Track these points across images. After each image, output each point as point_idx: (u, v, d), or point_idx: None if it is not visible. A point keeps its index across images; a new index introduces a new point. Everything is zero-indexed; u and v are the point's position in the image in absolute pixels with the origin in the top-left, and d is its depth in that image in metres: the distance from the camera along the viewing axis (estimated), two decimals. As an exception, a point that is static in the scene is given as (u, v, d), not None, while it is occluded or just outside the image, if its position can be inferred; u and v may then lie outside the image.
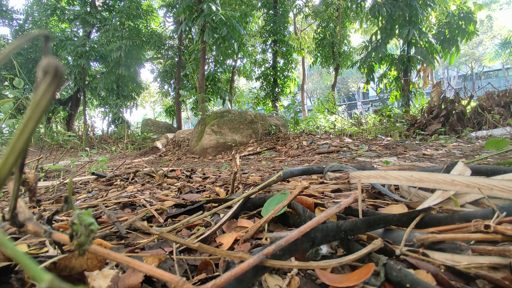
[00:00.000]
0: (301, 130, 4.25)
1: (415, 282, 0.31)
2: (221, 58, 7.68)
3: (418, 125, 3.65)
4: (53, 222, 0.63)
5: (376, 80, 7.28)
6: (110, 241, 0.54)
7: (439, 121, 3.52)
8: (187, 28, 6.47)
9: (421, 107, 4.34)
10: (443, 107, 3.63)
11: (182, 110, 9.71)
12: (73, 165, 1.67)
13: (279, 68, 9.50)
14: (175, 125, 9.12)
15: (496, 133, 3.03)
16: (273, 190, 0.81)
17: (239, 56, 8.35)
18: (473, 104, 4.12)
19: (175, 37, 9.33)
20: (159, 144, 3.22)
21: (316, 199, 0.65)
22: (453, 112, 3.53)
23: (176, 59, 9.18)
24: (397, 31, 6.53)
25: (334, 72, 10.46)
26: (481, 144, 2.38)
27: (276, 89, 9.45)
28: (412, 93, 6.70)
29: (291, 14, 10.69)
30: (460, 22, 6.48)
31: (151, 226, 0.64)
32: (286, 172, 0.84)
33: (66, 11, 8.80)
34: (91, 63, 8.86)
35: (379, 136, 3.19)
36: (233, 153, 0.81)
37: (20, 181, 0.24)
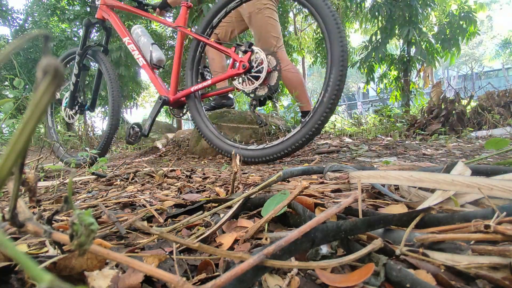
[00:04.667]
0: (301, 130, 4.25)
1: (415, 282, 0.31)
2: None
3: (418, 125, 3.64)
4: (53, 222, 0.63)
5: (376, 80, 7.27)
6: (110, 241, 0.54)
7: (439, 121, 3.52)
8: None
9: (421, 107, 4.33)
10: (443, 107, 3.63)
11: (182, 110, 9.70)
12: (73, 165, 1.67)
13: (279, 68, 9.48)
14: (175, 125, 9.12)
15: (496, 133, 3.03)
16: (273, 190, 0.81)
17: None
18: (473, 104, 4.12)
19: (175, 37, 9.33)
20: (159, 144, 3.21)
21: (316, 199, 0.65)
22: (453, 112, 3.53)
23: (176, 59, 9.18)
24: (397, 31, 6.53)
25: (334, 72, 10.44)
26: (481, 144, 2.38)
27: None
28: (412, 93, 6.70)
29: (291, 14, 10.69)
30: (461, 22, 6.47)
31: (151, 226, 0.64)
32: (286, 172, 0.84)
33: (66, 11, 8.80)
34: (91, 63, 8.87)
35: (379, 136, 3.19)
36: (233, 153, 0.81)
37: (20, 181, 0.24)
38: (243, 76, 1.71)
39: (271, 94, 1.67)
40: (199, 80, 1.98)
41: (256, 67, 1.66)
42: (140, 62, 2.06)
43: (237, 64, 1.70)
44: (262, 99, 1.69)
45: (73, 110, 2.28)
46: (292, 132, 1.66)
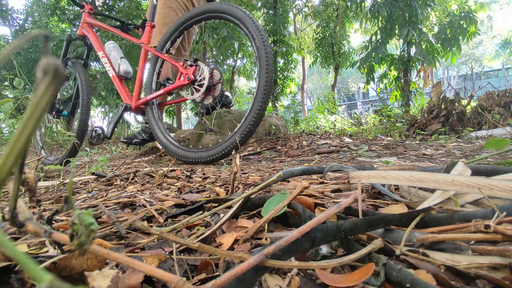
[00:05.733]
0: (301, 130, 4.26)
1: (415, 282, 0.31)
2: (221, 58, 7.68)
3: (418, 125, 3.64)
4: (53, 222, 0.63)
5: (376, 80, 7.28)
6: (110, 241, 0.54)
7: (439, 121, 3.51)
8: (187, 28, 6.47)
9: (421, 107, 4.33)
10: (443, 107, 3.63)
11: (182, 110, 9.72)
12: (73, 165, 1.67)
13: (279, 68, 9.49)
14: (175, 125, 9.12)
15: (496, 133, 3.03)
16: (273, 190, 0.81)
17: (239, 56, 8.35)
18: (473, 104, 4.12)
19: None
20: (159, 144, 3.22)
21: (316, 199, 0.65)
22: (453, 112, 3.53)
23: (176, 59, 9.18)
24: (397, 31, 6.53)
25: (334, 72, 10.46)
26: (481, 144, 2.38)
27: (276, 89, 9.45)
28: (412, 93, 6.70)
29: (291, 14, 10.69)
30: (461, 22, 6.47)
31: (151, 226, 0.64)
32: (286, 172, 0.84)
33: (66, 11, 8.79)
34: (91, 63, 8.86)
35: (379, 136, 3.19)
36: (233, 153, 0.81)
37: (20, 181, 0.24)
38: (189, 87, 1.93)
39: (216, 104, 1.89)
40: (157, 90, 2.22)
41: (200, 79, 1.87)
42: (110, 73, 2.28)
43: (183, 76, 1.92)
44: (209, 107, 1.90)
45: (51, 115, 2.55)
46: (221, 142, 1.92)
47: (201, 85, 1.86)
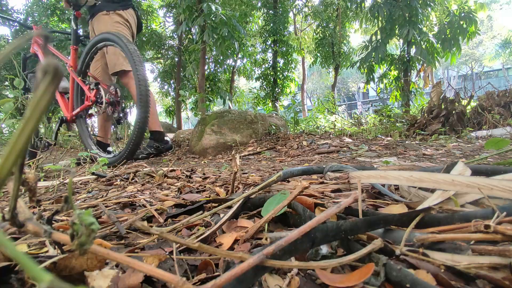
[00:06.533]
0: (301, 130, 4.25)
1: (415, 282, 0.31)
2: (221, 58, 7.67)
3: (418, 125, 3.64)
4: (53, 222, 0.63)
5: (376, 80, 7.27)
6: (110, 241, 0.54)
7: (439, 121, 3.51)
8: (187, 28, 6.46)
9: (421, 107, 4.33)
10: (443, 107, 3.63)
11: (182, 110, 9.73)
12: (73, 165, 1.67)
13: (279, 68, 9.48)
14: (175, 125, 9.13)
15: (496, 133, 3.03)
16: (273, 190, 0.81)
17: (239, 56, 8.34)
18: (473, 104, 4.12)
19: (175, 37, 9.32)
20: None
21: (316, 199, 0.65)
22: (453, 112, 3.53)
23: (176, 59, 9.20)
24: (397, 31, 6.52)
25: (334, 72, 10.46)
26: (481, 144, 2.38)
27: (276, 89, 9.44)
28: (412, 93, 6.69)
29: (291, 14, 10.68)
30: (461, 22, 6.47)
31: (151, 226, 0.64)
32: (286, 172, 0.84)
33: (66, 11, 8.79)
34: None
35: (379, 136, 3.19)
36: (233, 153, 0.81)
37: (20, 181, 0.24)
38: (95, 106, 2.39)
39: (124, 115, 2.36)
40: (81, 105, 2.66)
41: (101, 100, 2.33)
42: None
43: (88, 98, 2.38)
44: (118, 119, 2.35)
45: None
46: (120, 151, 2.33)
47: (101, 104, 2.31)
